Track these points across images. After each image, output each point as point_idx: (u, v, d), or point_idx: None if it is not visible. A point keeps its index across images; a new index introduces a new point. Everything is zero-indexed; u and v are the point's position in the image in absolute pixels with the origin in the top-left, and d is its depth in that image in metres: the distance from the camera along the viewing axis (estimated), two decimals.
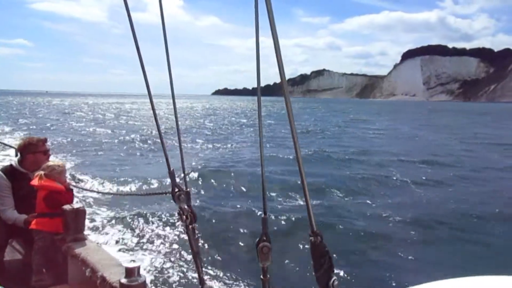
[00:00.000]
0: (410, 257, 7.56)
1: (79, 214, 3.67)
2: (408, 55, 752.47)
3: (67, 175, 4.45)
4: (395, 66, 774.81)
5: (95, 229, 8.33)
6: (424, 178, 14.83)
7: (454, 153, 21.97)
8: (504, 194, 12.62)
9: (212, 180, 13.44)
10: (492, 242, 8.53)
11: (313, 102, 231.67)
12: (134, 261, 2.66)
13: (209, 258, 7.09)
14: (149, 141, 23.73)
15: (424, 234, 8.89)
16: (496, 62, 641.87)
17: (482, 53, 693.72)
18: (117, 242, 7.79)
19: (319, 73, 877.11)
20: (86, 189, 8.56)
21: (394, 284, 6.35)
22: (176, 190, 1.63)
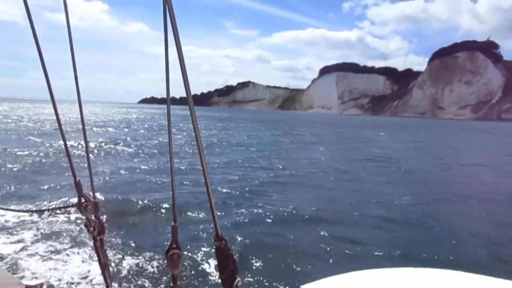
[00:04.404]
0: (309, 256, 8.17)
1: None
2: (325, 71, 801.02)
3: None
4: (313, 80, 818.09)
5: None
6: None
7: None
8: None
9: (121, 190, 13.05)
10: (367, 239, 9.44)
11: (238, 112, 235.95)
12: (36, 278, 2.47)
13: (119, 270, 6.97)
14: (53, 150, 21.87)
15: (323, 232, 9.61)
16: (399, 80, 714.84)
17: (388, 72, 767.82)
18: (16, 258, 7.08)
19: (244, 85, 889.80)
20: None
21: (295, 282, 6.68)
22: (83, 200, 1.51)
